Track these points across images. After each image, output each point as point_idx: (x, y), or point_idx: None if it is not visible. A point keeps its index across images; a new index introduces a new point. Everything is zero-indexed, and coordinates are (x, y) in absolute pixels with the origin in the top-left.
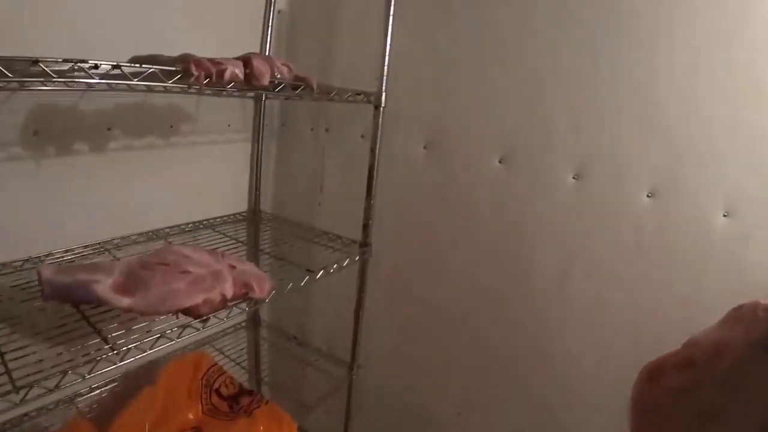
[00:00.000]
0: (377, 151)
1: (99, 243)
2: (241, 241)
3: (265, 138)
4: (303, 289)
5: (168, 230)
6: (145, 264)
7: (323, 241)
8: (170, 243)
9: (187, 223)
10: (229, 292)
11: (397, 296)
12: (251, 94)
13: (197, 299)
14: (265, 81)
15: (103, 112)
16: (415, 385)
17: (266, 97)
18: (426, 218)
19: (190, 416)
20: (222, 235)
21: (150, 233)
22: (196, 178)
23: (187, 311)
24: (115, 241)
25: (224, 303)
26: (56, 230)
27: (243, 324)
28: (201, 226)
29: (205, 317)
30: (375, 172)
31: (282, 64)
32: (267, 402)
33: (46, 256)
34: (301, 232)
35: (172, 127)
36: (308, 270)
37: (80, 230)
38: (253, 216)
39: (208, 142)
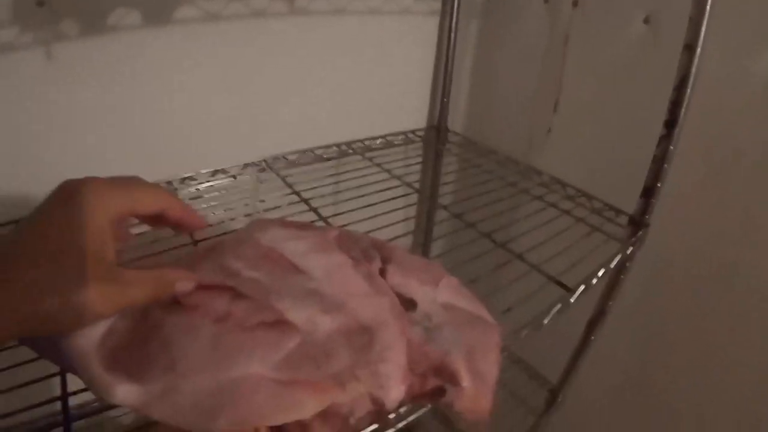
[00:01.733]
0: (696, 52)
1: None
2: (412, 185)
3: (461, 13)
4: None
5: (287, 159)
6: (180, 294)
7: (552, 200)
8: (260, 219)
9: (327, 146)
10: (395, 393)
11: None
12: None
13: (306, 406)
14: None
15: None
16: None
17: None
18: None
19: None
20: (379, 170)
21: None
22: (347, 74)
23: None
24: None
25: (378, 416)
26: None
27: None
28: (350, 151)
29: None
30: (688, 90)
31: None
32: None
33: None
34: (511, 175)
35: None
36: (559, 283)
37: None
38: (435, 138)
39: (367, 10)
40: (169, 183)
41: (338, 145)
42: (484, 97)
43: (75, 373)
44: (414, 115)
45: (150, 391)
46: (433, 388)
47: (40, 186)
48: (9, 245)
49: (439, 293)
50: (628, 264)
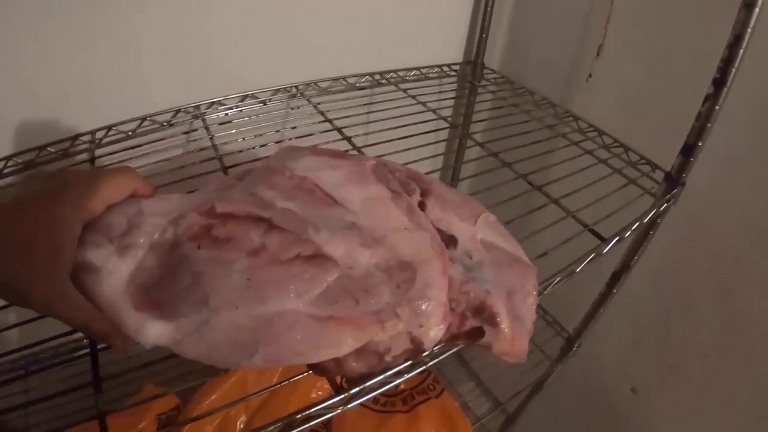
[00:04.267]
0: (755, 12)
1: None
2: (446, 119)
3: None
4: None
5: (319, 86)
6: (207, 222)
7: (589, 147)
8: (290, 144)
9: (360, 75)
10: (435, 333)
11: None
12: None
13: (343, 343)
14: None
15: None
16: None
17: None
18: None
19: (317, 393)
20: (413, 102)
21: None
22: (383, 1)
23: (315, 368)
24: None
25: (414, 353)
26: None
27: None
28: (383, 81)
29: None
30: (741, 50)
31: None
32: (442, 392)
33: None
34: (548, 118)
35: None
36: (594, 233)
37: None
38: (471, 73)
39: None
40: (197, 107)
41: (372, 75)
42: (525, 35)
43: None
44: (450, 49)
45: (182, 328)
46: (471, 329)
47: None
48: None
49: (478, 230)
50: (659, 220)
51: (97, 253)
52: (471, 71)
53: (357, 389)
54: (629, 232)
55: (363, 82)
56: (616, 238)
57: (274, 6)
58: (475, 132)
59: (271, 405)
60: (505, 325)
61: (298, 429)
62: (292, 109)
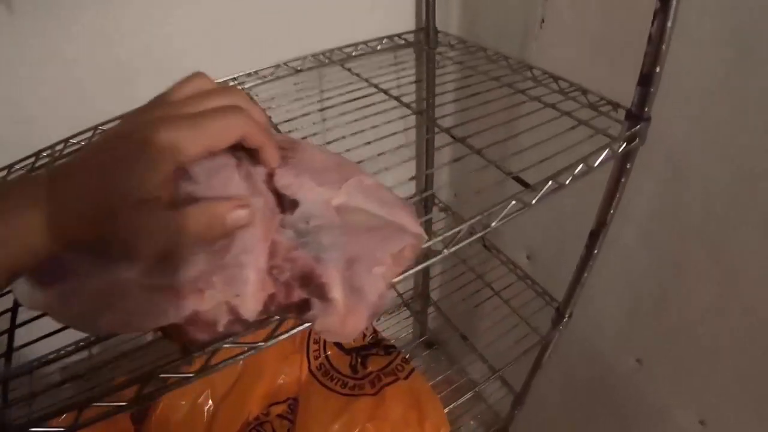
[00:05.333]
0: None
1: None
2: (409, 106)
3: None
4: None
5: (258, 74)
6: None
7: (545, 96)
8: None
9: (302, 57)
10: (252, 303)
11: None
12: None
13: (167, 314)
14: None
15: None
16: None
17: None
18: None
19: (284, 378)
20: (365, 84)
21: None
22: None
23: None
24: None
25: (243, 323)
26: None
27: None
28: (328, 60)
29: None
30: None
31: None
32: (412, 372)
33: None
34: (505, 72)
35: None
36: (518, 179)
37: None
38: (424, 40)
39: None
40: None
41: (314, 56)
42: None
43: None
44: (397, 17)
45: (51, 295)
46: (299, 300)
47: None
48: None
49: (342, 195)
50: (628, 165)
51: None
52: (420, 39)
53: (197, 353)
54: (570, 178)
55: (306, 63)
56: (549, 184)
57: None
58: (440, 116)
59: (237, 391)
60: (336, 296)
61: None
62: None
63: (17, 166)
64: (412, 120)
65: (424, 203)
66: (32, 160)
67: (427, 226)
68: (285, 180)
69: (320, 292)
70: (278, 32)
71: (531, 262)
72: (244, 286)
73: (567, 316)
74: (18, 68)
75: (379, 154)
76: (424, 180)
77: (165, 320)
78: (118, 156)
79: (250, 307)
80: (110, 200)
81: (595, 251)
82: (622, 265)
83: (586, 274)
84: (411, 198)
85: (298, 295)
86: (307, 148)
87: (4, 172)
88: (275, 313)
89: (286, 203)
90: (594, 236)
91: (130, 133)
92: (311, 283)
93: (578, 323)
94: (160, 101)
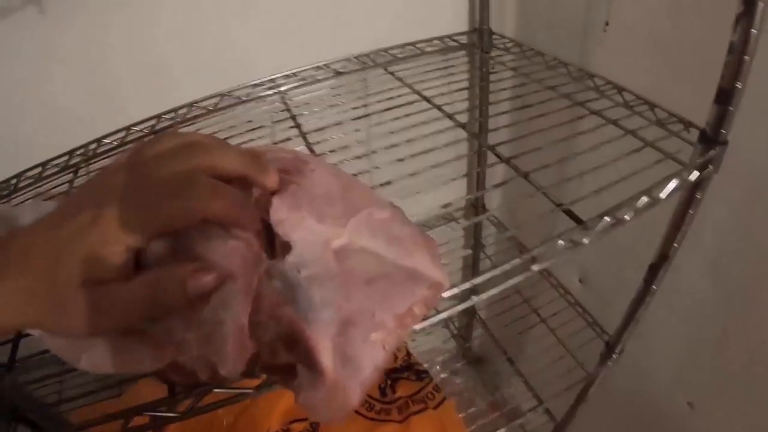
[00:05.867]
0: None
1: None
2: (443, 108)
3: None
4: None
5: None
6: None
7: (607, 110)
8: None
9: (345, 59)
10: (230, 365)
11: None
12: None
13: (144, 362)
14: None
15: None
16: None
17: None
18: None
19: None
20: (409, 91)
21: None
22: None
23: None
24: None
25: (222, 379)
26: None
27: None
28: (372, 63)
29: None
30: None
31: None
32: (442, 402)
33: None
34: (563, 81)
35: None
36: (569, 213)
37: None
38: (477, 42)
39: None
40: None
41: (358, 57)
42: None
43: None
44: (448, 16)
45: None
46: (285, 364)
47: None
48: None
49: (344, 234)
50: (698, 195)
51: None
52: (478, 40)
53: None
54: (631, 213)
55: (349, 66)
56: (606, 220)
57: None
58: (491, 130)
59: (258, 404)
60: (324, 366)
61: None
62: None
63: (51, 164)
64: (458, 132)
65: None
66: (65, 158)
67: (476, 248)
68: (279, 214)
69: (307, 358)
70: (321, 31)
71: (583, 287)
72: (223, 346)
73: (617, 352)
74: (51, 67)
75: (414, 173)
76: (474, 196)
77: (143, 368)
78: (72, 230)
79: (230, 367)
80: (59, 280)
81: (654, 287)
82: (683, 299)
83: (642, 310)
84: (461, 210)
85: (284, 358)
86: (315, 171)
87: (38, 170)
88: (260, 373)
89: (277, 243)
90: (654, 269)
91: (89, 203)
92: (298, 346)
93: (628, 359)
94: (130, 161)
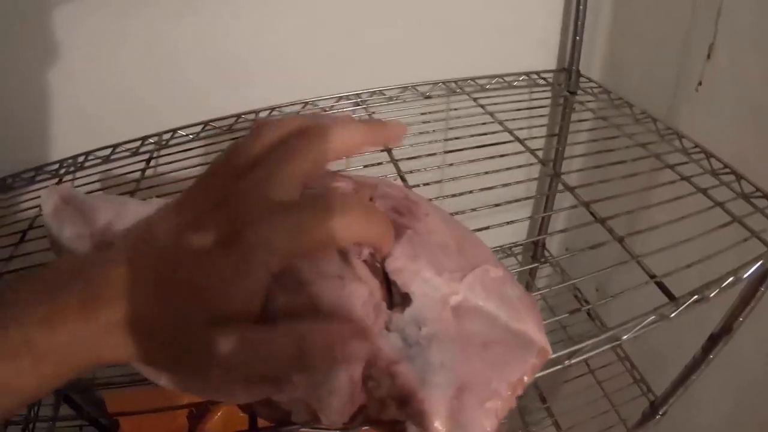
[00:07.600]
0: None
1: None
2: (525, 141)
3: None
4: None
5: (384, 93)
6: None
7: (695, 177)
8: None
9: (433, 82)
10: (335, 416)
11: None
12: None
13: (236, 396)
14: None
15: None
16: None
17: None
18: None
19: None
20: (491, 120)
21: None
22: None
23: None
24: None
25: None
26: None
27: None
28: (460, 90)
29: None
30: None
31: None
32: None
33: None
34: (651, 139)
35: None
36: (661, 286)
37: None
38: (564, 83)
39: None
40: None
41: (446, 83)
42: (626, 35)
43: None
44: (538, 53)
45: None
46: (393, 420)
47: None
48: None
49: (462, 289)
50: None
51: None
52: (565, 80)
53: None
54: (716, 291)
55: (436, 90)
56: (693, 298)
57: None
58: (567, 172)
59: None
60: (437, 429)
61: None
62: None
63: (121, 147)
64: (535, 169)
65: (532, 254)
66: (137, 144)
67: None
68: (398, 262)
69: (419, 419)
70: (409, 53)
71: (634, 341)
72: (330, 396)
73: (661, 414)
74: (126, 54)
75: (497, 205)
76: (537, 230)
77: (233, 402)
78: (194, 253)
79: (334, 418)
80: (180, 315)
81: (711, 356)
82: (737, 375)
83: (694, 377)
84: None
85: (393, 414)
86: (429, 216)
87: (107, 151)
88: (362, 424)
89: (395, 294)
90: (714, 340)
91: (212, 218)
92: (410, 406)
93: (668, 420)
94: (227, 163)
